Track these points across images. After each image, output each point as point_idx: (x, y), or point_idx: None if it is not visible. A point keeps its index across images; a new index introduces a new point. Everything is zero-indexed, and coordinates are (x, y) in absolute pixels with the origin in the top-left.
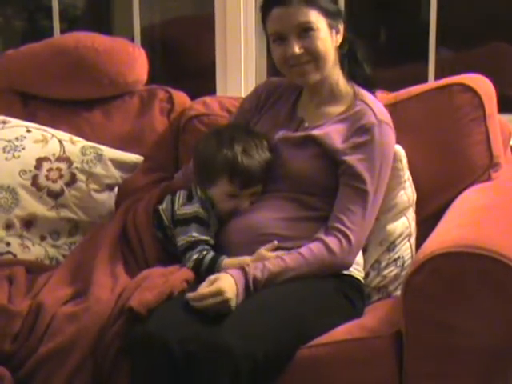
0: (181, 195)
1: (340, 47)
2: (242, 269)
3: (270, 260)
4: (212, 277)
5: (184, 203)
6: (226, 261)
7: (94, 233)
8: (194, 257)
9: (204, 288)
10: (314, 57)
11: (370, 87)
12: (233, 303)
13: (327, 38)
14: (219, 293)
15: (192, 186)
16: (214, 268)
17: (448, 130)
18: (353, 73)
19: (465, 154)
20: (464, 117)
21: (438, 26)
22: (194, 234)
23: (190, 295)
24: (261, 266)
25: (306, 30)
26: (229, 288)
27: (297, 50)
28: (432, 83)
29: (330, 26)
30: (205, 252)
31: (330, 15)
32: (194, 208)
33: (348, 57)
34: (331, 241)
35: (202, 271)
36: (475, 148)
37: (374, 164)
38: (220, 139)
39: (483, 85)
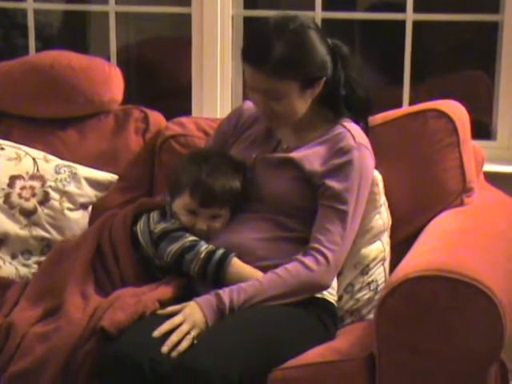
0: (154, 215)
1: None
2: (216, 293)
3: (245, 282)
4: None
5: (158, 221)
6: (236, 261)
7: (63, 248)
8: (204, 247)
9: (170, 308)
10: (279, 117)
11: (356, 118)
12: (196, 329)
13: (296, 102)
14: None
15: (166, 206)
16: (223, 264)
17: (422, 155)
18: (334, 108)
19: (439, 179)
20: (438, 142)
21: (412, 52)
22: (188, 236)
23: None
24: (236, 288)
25: (274, 96)
26: (192, 314)
27: (263, 110)
28: (407, 108)
29: (304, 88)
30: (212, 245)
31: (307, 83)
32: (171, 223)
33: (327, 96)
34: (308, 259)
35: (213, 264)
36: (449, 173)
37: (352, 185)
38: (193, 158)
39: (457, 111)
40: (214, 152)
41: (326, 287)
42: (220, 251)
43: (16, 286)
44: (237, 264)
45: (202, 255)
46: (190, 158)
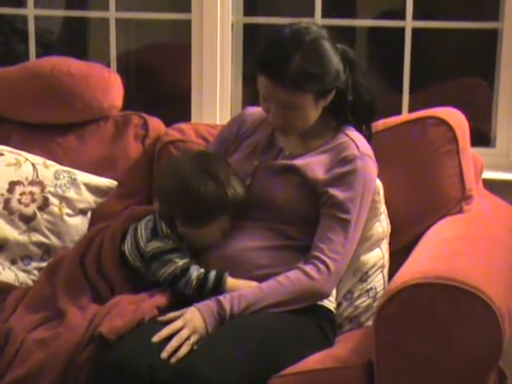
0: (142, 231)
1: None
2: (217, 300)
3: (246, 289)
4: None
5: (149, 239)
6: (230, 280)
7: (59, 258)
8: (194, 274)
9: (170, 315)
10: (292, 126)
11: (359, 126)
12: (196, 334)
13: (310, 112)
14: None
15: (157, 223)
16: (220, 284)
17: (421, 162)
18: (339, 116)
19: (438, 187)
20: (438, 150)
21: (412, 59)
22: (178, 261)
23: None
24: (237, 295)
25: (288, 107)
26: (192, 319)
27: (276, 120)
28: (406, 116)
29: (318, 98)
30: (202, 270)
31: (321, 94)
32: (164, 243)
33: (334, 105)
34: (309, 267)
35: (208, 289)
36: (448, 181)
37: (355, 194)
38: (212, 176)
39: (457, 118)
40: (218, 159)
41: (326, 296)
42: (212, 274)
43: (16, 292)
44: (231, 282)
45: (194, 282)
46: (210, 179)
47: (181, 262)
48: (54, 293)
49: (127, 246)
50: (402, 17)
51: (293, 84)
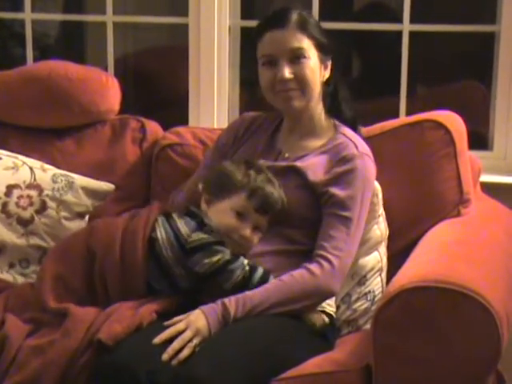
0: (182, 222)
1: (326, 84)
2: (222, 302)
3: (252, 290)
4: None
5: (194, 230)
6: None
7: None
8: (246, 261)
9: (175, 318)
10: (301, 84)
11: (353, 125)
12: (199, 336)
13: (316, 68)
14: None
15: (204, 217)
16: (265, 281)
17: (419, 165)
18: (335, 110)
19: (435, 190)
20: (435, 153)
21: (410, 62)
22: (226, 251)
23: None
24: (242, 297)
25: (297, 57)
26: (196, 321)
27: (286, 74)
28: (404, 119)
29: (320, 60)
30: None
31: (322, 49)
32: (210, 235)
33: (331, 95)
34: (313, 266)
35: (253, 281)
36: (446, 184)
37: (356, 192)
38: (249, 165)
39: (454, 122)
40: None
41: (332, 293)
42: (260, 269)
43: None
44: None
45: (247, 268)
46: (246, 165)
47: (229, 252)
48: (40, 291)
49: (160, 235)
50: (388, 8)
51: (296, 26)
